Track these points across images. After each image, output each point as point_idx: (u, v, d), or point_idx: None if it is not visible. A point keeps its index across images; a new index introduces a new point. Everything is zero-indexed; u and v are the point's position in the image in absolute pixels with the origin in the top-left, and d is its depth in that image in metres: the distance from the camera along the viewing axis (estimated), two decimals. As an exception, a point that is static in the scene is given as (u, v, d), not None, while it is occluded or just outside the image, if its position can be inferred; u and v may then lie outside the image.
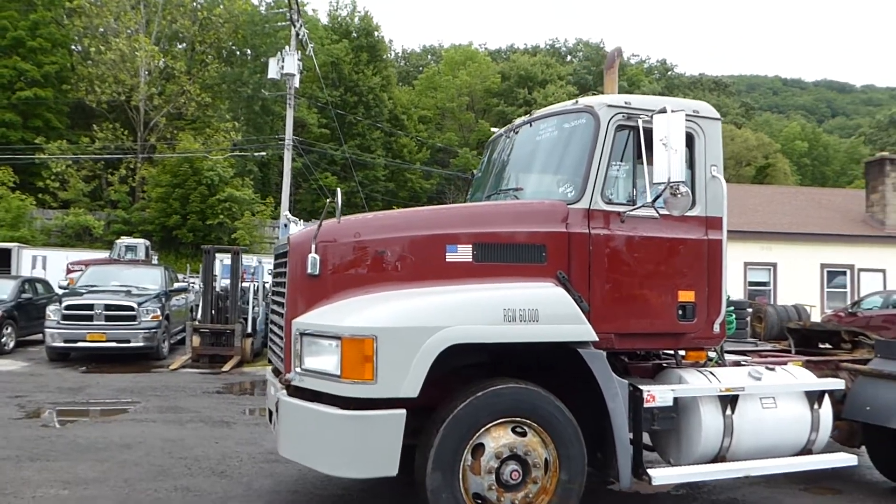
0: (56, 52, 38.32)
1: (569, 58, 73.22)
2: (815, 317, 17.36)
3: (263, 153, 37.29)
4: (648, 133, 4.87)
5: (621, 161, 5.14)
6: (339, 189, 4.58)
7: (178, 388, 10.95)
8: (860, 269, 24.77)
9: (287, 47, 26.86)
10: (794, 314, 8.51)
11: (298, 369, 4.50)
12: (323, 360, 4.36)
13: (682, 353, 5.54)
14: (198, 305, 16.15)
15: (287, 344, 4.64)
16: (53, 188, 34.48)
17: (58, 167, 34.42)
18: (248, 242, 31.94)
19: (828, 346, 7.30)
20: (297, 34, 27.10)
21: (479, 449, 4.39)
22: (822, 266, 24.74)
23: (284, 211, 27.02)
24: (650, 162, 4.83)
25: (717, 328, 5.25)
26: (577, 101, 5.36)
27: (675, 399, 4.93)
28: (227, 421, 8.48)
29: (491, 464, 4.36)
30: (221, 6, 42.16)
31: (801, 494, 6.13)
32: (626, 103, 5.12)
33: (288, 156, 27.26)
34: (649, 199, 4.84)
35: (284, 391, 4.66)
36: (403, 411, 4.19)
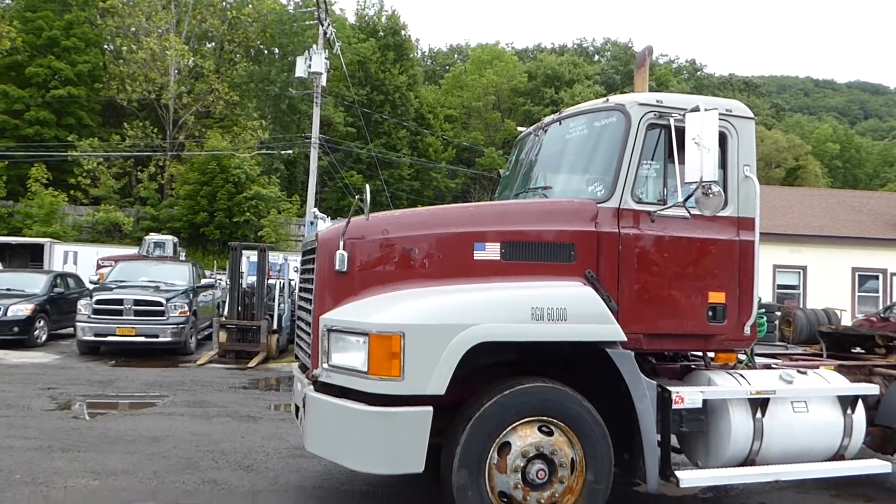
0: (89, 52, 39.00)
1: (596, 57, 72.76)
2: (846, 321, 17.06)
3: (291, 150, 37.54)
4: (680, 132, 4.83)
5: (652, 160, 5.08)
6: (367, 186, 4.60)
7: (205, 382, 11.07)
8: (893, 274, 24.27)
9: (314, 46, 27.03)
10: (825, 318, 8.37)
11: (325, 365, 4.52)
12: (350, 356, 4.37)
13: (711, 354, 5.48)
14: (224, 302, 16.34)
15: (314, 340, 4.66)
16: (85, 185, 35.11)
17: (89, 164, 35.04)
18: (274, 240, 32.20)
19: (860, 350, 7.16)
20: (325, 33, 27.26)
21: (505, 447, 4.38)
22: (854, 270, 24.28)
23: (312, 209, 27.23)
24: (682, 161, 4.79)
25: (747, 330, 5.17)
26: (607, 100, 5.31)
27: (705, 401, 4.87)
28: (252, 416, 8.56)
29: (517, 462, 4.34)
30: (250, 6, 42.54)
31: (832, 501, 6.02)
32: (657, 102, 5.07)
33: (314, 154, 27.44)
34: (680, 199, 4.79)
35: (311, 387, 4.69)
36: (430, 408, 4.19)
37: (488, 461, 4.32)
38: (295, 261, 20.27)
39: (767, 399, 5.03)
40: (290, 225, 36.97)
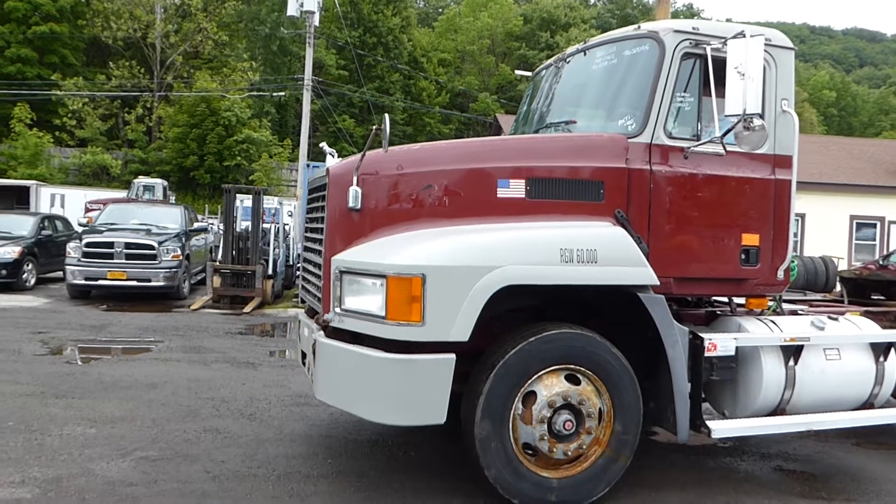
0: (70, -14, 37.57)
1: (592, 0, 70.97)
2: (843, 268, 16.95)
3: (283, 93, 36.58)
4: (717, 62, 4.48)
5: (685, 92, 4.70)
6: (386, 115, 4.21)
7: (201, 328, 10.81)
8: (890, 222, 24.10)
9: (307, -18, 26.03)
10: (822, 266, 8.14)
11: (338, 309, 4.22)
12: (365, 300, 4.07)
13: (737, 300, 5.23)
14: (217, 246, 15.99)
15: (326, 283, 4.35)
16: (70, 126, 34.19)
17: (74, 105, 34.05)
18: (266, 184, 31.66)
19: (881, 297, 6.95)
20: (317, -32, 26.21)
21: (530, 397, 4.12)
22: (852, 218, 24.07)
23: (303, 156, 26.63)
24: (719, 94, 4.43)
25: (780, 274, 4.90)
26: (639, 27, 4.90)
27: (737, 348, 4.63)
28: (251, 362, 8.31)
29: (543, 413, 4.09)
30: (238, -59, 40.98)
31: (853, 449, 5.87)
32: (693, 29, 4.67)
33: (307, 96, 26.69)
34: (718, 133, 4.45)
35: (322, 332, 4.40)
36: (453, 356, 3.91)
37: (512, 412, 4.07)
38: (289, 205, 19.91)
39: (801, 346, 4.80)
40: (281, 169, 36.39)
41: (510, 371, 4.07)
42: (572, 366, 4.22)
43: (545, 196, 4.41)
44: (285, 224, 16.85)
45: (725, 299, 5.40)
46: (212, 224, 20.56)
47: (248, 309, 13.11)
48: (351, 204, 4.24)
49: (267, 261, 14.48)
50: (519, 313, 4.52)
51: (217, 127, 33.60)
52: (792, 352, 4.79)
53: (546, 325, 4.24)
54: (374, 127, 4.21)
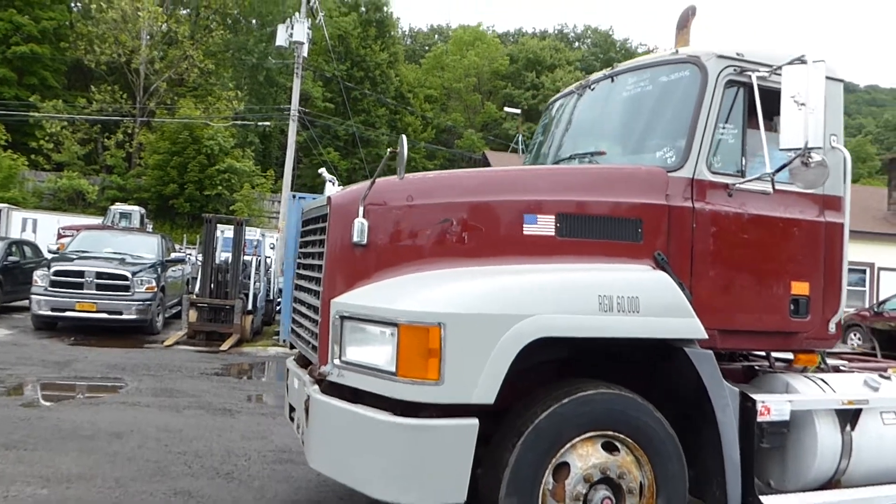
0: (55, 8, 37.03)
1: (577, 44, 71.86)
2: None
3: (268, 122, 36.04)
4: (766, 91, 4.07)
5: (728, 123, 4.23)
6: (403, 137, 3.66)
7: (174, 367, 10.06)
8: (880, 268, 23.97)
9: (297, 14, 25.82)
10: None
11: (337, 361, 3.61)
12: (372, 351, 3.47)
13: (778, 354, 4.71)
14: (195, 278, 15.31)
15: (323, 329, 3.74)
16: (47, 150, 33.28)
17: (52, 128, 33.19)
18: (247, 215, 30.93)
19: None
20: (308, 0, 26.03)
21: (562, 469, 3.51)
22: (841, 264, 23.91)
23: (289, 183, 26.06)
24: (768, 127, 3.99)
25: (832, 328, 4.40)
26: (676, 51, 4.43)
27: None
28: (229, 409, 7.60)
29: (578, 489, 3.48)
30: (228, -29, 40.84)
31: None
32: (738, 55, 4.22)
33: (293, 126, 26.26)
34: (770, 169, 3.96)
35: (317, 387, 3.78)
36: (476, 421, 3.31)
37: (542, 486, 3.45)
38: (271, 237, 19.23)
39: (859, 410, 4.26)
40: (263, 200, 35.71)
41: (541, 438, 3.46)
42: (610, 432, 3.62)
43: (577, 234, 3.87)
44: (267, 257, 16.17)
45: (762, 353, 4.87)
46: (190, 255, 19.83)
47: (225, 346, 12.36)
48: (356, 238, 3.67)
49: (247, 295, 13.78)
50: (543, 367, 3.94)
51: (199, 155, 32.90)
52: (849, 416, 4.25)
53: (581, 384, 3.66)
54: (389, 150, 3.65)
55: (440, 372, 3.26)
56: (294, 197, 13.59)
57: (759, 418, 3.94)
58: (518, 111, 40.68)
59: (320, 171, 4.65)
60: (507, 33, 67.41)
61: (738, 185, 4.11)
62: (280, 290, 18.05)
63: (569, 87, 5.44)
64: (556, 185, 3.98)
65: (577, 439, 3.55)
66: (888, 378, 4.69)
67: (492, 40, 56.86)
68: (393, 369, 3.34)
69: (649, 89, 4.42)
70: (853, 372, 4.93)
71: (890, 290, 21.43)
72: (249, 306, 13.66)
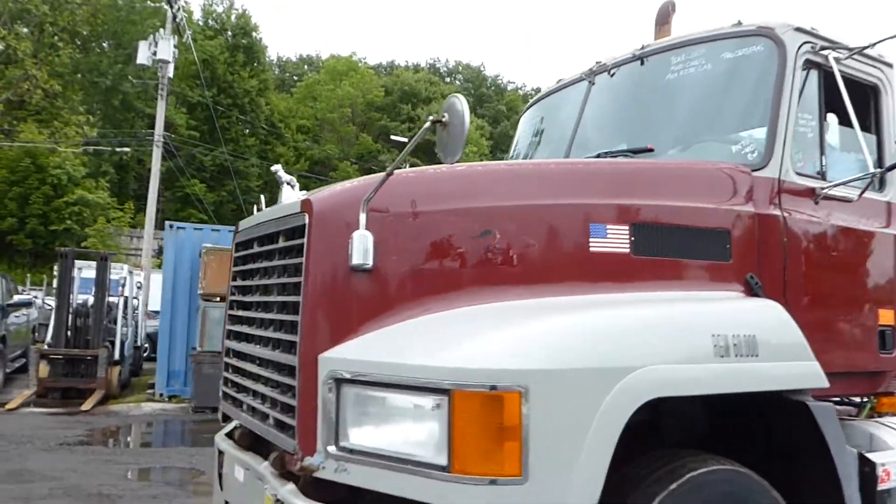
0: None
1: (448, 79, 72.84)
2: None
3: (127, 148, 32.86)
4: (850, 79, 3.41)
5: (805, 113, 3.42)
6: (430, 116, 2.47)
7: (23, 437, 8.00)
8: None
9: (161, 31, 23.70)
10: None
11: (332, 448, 2.34)
12: (398, 433, 2.25)
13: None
14: (44, 325, 12.96)
15: (305, 399, 2.44)
16: None
17: None
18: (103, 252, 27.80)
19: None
20: (174, 16, 23.99)
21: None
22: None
23: (150, 221, 23.55)
24: (845, 121, 3.24)
25: (918, 364, 3.64)
26: (739, 22, 3.57)
27: (902, 476, 3.22)
28: (105, 494, 5.85)
29: None
30: (78, -14, 37.42)
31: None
32: (813, 29, 3.43)
33: (157, 153, 23.90)
34: (873, 168, 3.17)
35: (291, 487, 2.48)
36: (578, 541, 2.15)
37: None
38: (139, 275, 16.92)
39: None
40: (120, 236, 32.41)
41: (650, 550, 2.36)
42: (725, 527, 2.58)
43: (656, 252, 2.84)
44: (134, 297, 14.05)
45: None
46: (35, 297, 17.13)
47: (87, 406, 10.27)
48: (356, 260, 2.43)
49: (112, 342, 11.71)
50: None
51: (44, 185, 29.42)
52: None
53: (685, 458, 2.58)
54: (430, 118, 2.44)
55: (522, 463, 2.09)
56: (172, 227, 11.79)
57: (880, 486, 3.05)
58: (405, 140, 39.98)
59: (274, 168, 3.34)
60: (379, 65, 67.01)
61: (826, 191, 3.27)
62: (147, 336, 15.88)
63: (562, 78, 4.47)
64: (628, 186, 2.94)
65: (688, 542, 2.47)
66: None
67: (366, 71, 56.02)
68: (443, 462, 2.13)
69: (706, 69, 3.51)
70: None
71: None
72: (116, 355, 11.60)
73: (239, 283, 3.42)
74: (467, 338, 2.31)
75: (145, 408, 10.63)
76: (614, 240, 2.76)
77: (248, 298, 3.25)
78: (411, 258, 2.53)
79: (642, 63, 3.83)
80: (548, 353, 2.20)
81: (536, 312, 2.43)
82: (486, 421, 2.10)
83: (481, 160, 34.30)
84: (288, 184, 3.20)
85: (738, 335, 2.59)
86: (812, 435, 2.80)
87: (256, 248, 3.19)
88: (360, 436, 2.33)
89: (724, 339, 2.55)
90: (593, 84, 4.07)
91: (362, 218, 2.45)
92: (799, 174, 3.26)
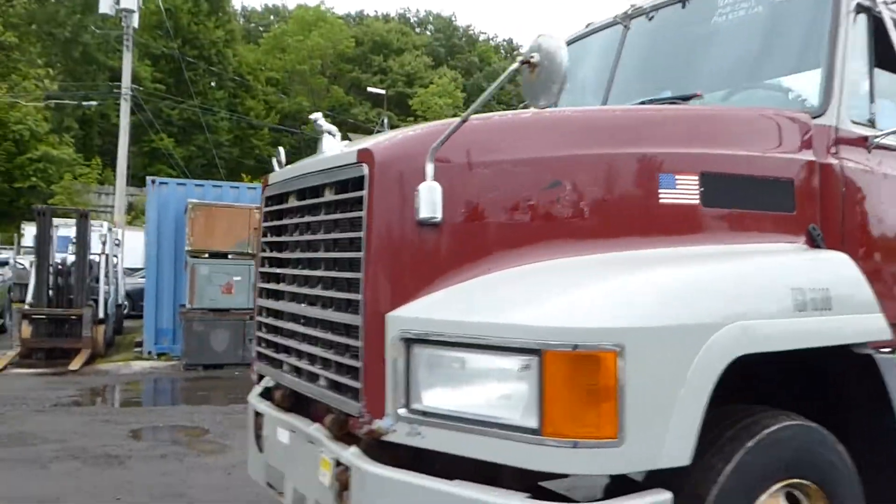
0: None
1: (418, 29, 71.40)
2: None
3: (93, 102, 31.70)
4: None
5: (857, 59, 3.31)
6: (520, 57, 2.31)
7: (15, 398, 7.80)
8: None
9: (125, -23, 22.68)
10: None
11: (403, 411, 2.24)
12: (482, 394, 2.15)
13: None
14: (20, 284, 12.60)
15: (371, 360, 2.33)
16: None
17: None
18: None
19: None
20: (137, -38, 22.98)
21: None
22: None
23: (121, 177, 22.88)
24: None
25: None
26: (788, -42, 3.42)
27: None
28: (113, 455, 5.72)
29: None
30: (30, -71, 35.54)
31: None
32: None
33: (125, 107, 23.21)
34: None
35: (354, 450, 2.38)
36: (669, 496, 2.10)
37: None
38: (120, 231, 16.46)
39: None
40: (88, 193, 31.54)
41: (728, 501, 2.32)
42: (795, 479, 2.55)
43: (725, 203, 2.75)
44: (115, 255, 13.69)
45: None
46: (7, 256, 16.64)
47: (75, 365, 10.03)
48: (424, 214, 2.29)
49: (96, 301, 11.42)
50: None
51: (6, 142, 28.35)
52: None
53: (757, 415, 2.54)
54: (519, 57, 2.28)
55: (619, 424, 2.01)
56: (154, 183, 11.41)
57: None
58: (383, 91, 39.23)
59: (314, 116, 3.14)
60: (348, 15, 65.32)
61: (877, 139, 3.18)
62: (128, 294, 15.57)
63: (592, 21, 4.29)
64: (696, 134, 2.82)
65: (763, 496, 2.44)
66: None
67: (335, 21, 54.57)
68: (534, 424, 2.03)
69: (756, 11, 3.37)
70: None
71: None
72: (101, 314, 11.33)
73: (271, 238, 3.26)
74: (553, 294, 2.20)
75: (135, 366, 10.43)
76: (684, 191, 2.65)
77: (285, 255, 3.10)
78: (480, 211, 2.40)
79: (684, 6, 3.68)
80: (643, 310, 2.11)
81: (619, 268, 2.32)
82: (581, 381, 2.00)
83: (455, 113, 33.81)
84: (329, 132, 3.02)
85: (815, 289, 2.53)
86: (871, 387, 2.78)
87: (294, 202, 3.02)
88: (434, 398, 2.23)
89: (802, 293, 2.48)
90: (629, 29, 3.91)
91: (429, 168, 2.31)
92: (853, 122, 3.18)
